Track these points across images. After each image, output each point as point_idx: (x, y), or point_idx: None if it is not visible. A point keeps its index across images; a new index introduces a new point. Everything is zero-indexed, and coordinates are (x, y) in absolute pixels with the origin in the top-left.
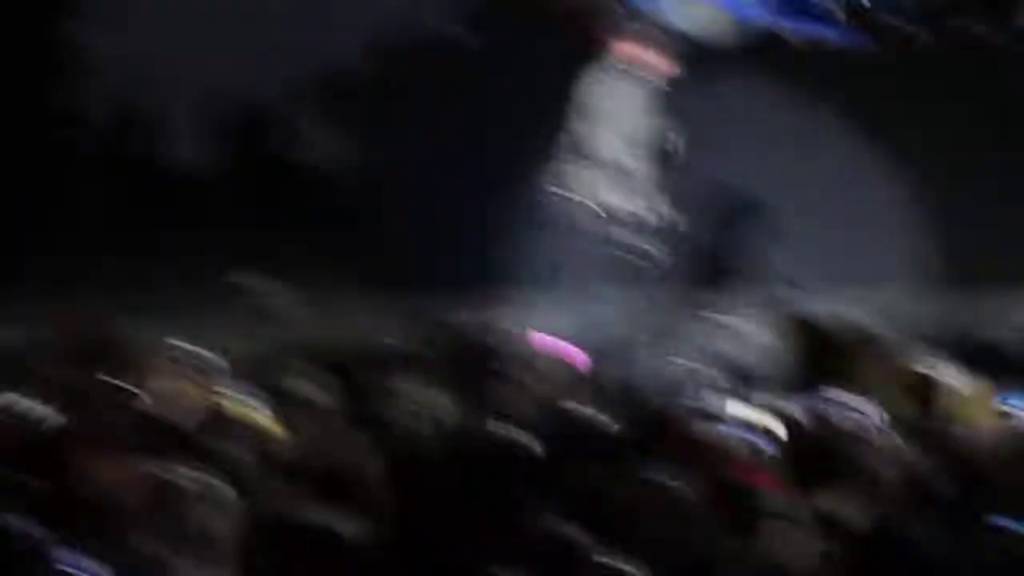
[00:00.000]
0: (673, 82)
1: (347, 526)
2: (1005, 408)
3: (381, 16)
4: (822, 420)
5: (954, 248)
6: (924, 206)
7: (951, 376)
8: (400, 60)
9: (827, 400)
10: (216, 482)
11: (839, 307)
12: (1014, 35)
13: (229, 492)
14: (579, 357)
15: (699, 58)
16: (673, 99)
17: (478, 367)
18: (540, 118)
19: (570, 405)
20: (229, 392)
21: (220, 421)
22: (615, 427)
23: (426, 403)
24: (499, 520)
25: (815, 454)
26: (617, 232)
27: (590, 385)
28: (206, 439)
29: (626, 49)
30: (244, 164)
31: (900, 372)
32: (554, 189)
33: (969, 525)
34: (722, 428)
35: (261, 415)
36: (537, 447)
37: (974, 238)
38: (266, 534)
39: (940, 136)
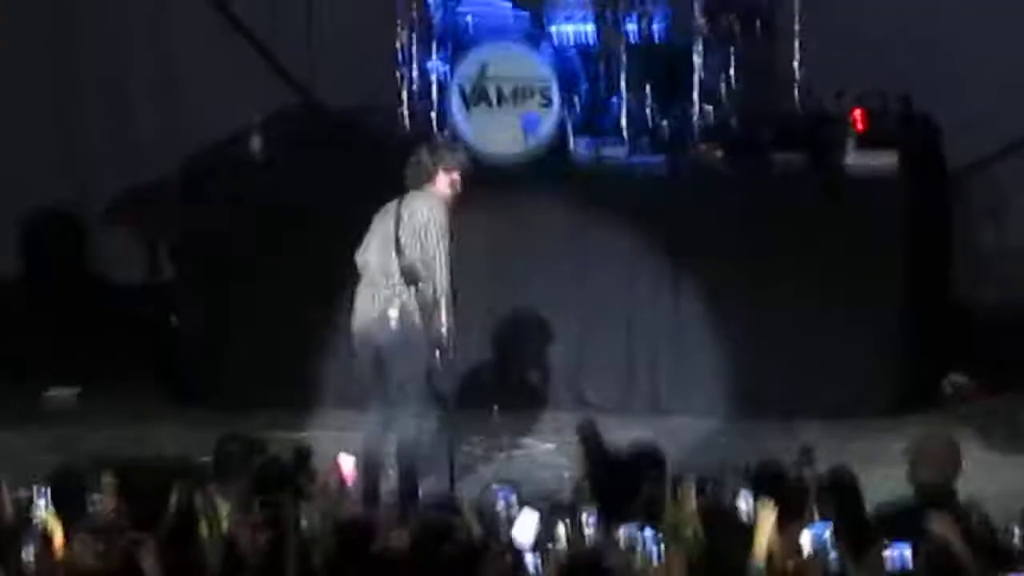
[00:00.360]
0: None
1: None
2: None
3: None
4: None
5: (741, 376)
6: (711, 331)
7: (744, 504)
8: (202, 175)
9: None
10: None
11: (634, 435)
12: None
13: None
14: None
15: (496, 176)
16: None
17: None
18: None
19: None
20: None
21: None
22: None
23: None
24: None
25: None
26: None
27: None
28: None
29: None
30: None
31: (691, 501)
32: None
33: None
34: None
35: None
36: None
37: (761, 365)
38: None
39: (728, 259)
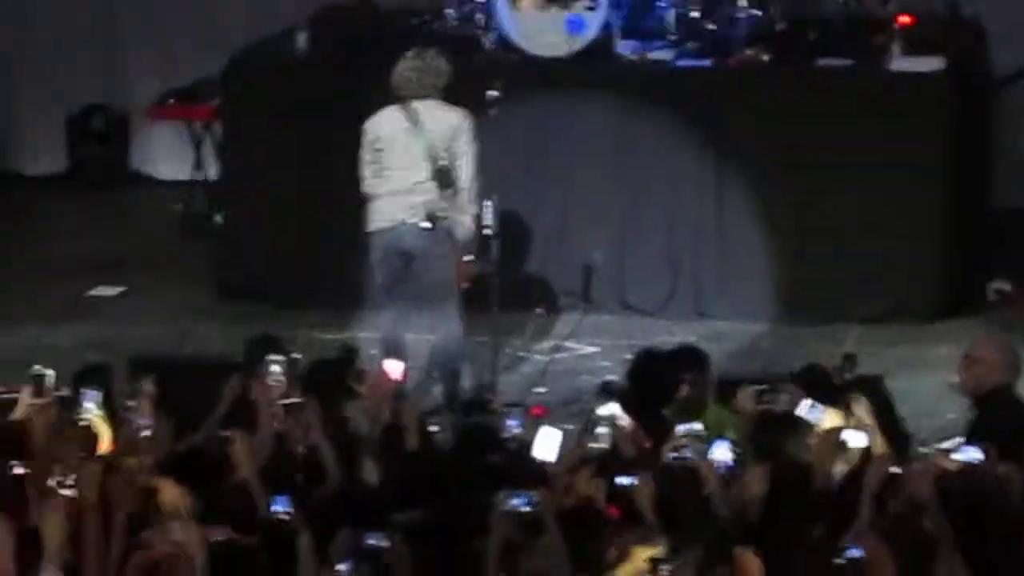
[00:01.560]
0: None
1: None
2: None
3: None
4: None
5: (784, 280)
6: (754, 235)
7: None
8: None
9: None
10: None
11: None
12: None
13: None
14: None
15: (540, 77)
16: (510, 118)
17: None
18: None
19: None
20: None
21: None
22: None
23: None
24: None
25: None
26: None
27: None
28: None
29: None
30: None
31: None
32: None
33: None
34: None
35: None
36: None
37: (804, 270)
38: None
39: (771, 164)
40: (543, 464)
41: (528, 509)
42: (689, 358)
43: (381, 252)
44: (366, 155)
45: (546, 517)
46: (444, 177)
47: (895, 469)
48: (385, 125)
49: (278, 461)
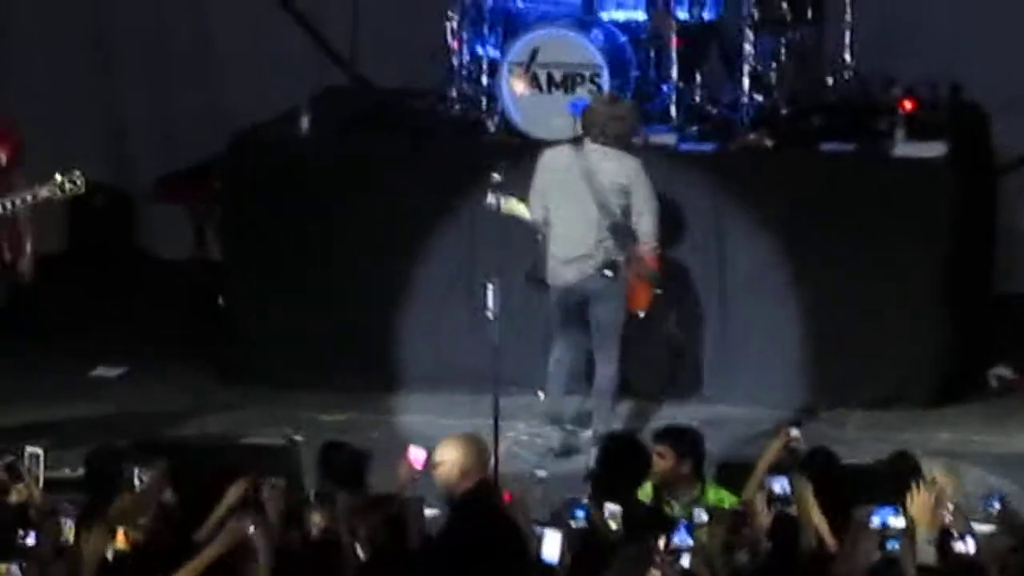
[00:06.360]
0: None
1: None
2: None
3: None
4: None
5: (785, 364)
6: (755, 319)
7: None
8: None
9: None
10: None
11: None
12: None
13: None
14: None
15: None
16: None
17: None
18: None
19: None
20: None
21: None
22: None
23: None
24: None
25: None
26: None
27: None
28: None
29: None
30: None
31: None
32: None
33: None
34: None
35: None
36: None
37: (806, 354)
38: None
39: (774, 248)
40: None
41: None
42: (670, 435)
43: (553, 290)
44: (535, 196)
45: None
46: (618, 230)
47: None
48: (559, 167)
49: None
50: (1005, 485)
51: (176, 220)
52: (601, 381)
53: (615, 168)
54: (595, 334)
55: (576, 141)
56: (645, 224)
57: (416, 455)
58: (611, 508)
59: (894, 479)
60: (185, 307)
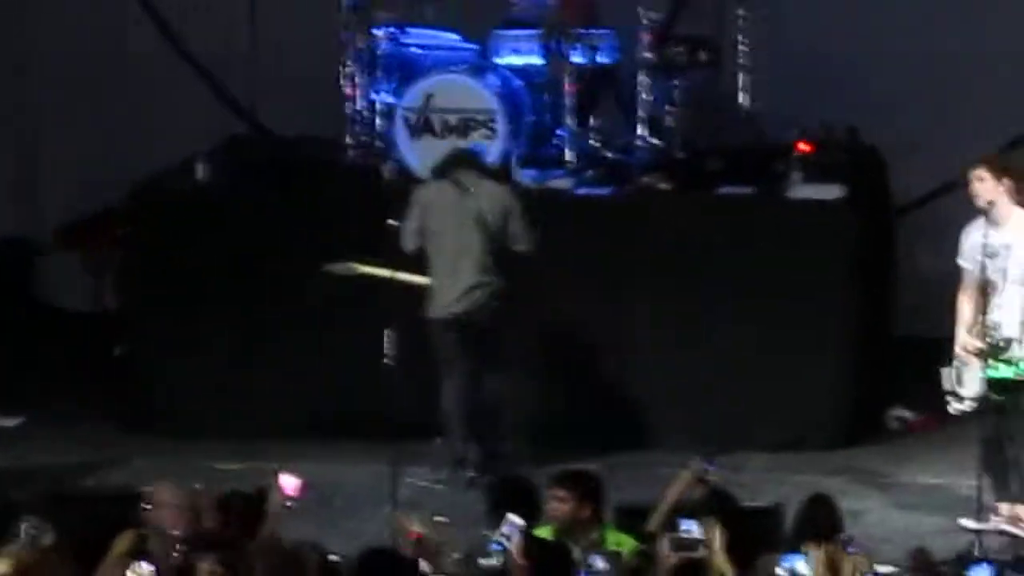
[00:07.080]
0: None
1: None
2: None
3: None
4: None
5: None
6: (654, 364)
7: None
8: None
9: None
10: None
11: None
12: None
13: None
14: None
15: None
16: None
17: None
18: None
19: None
20: None
21: None
22: None
23: None
24: None
25: None
26: None
27: None
28: None
29: None
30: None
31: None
32: None
33: None
34: None
35: None
36: None
37: (705, 397)
38: None
39: (672, 292)
40: None
41: None
42: (569, 478)
43: (442, 325)
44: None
45: None
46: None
47: None
48: (424, 195)
49: None
50: (906, 523)
51: (75, 270)
52: (491, 397)
53: (488, 193)
54: (486, 359)
55: (449, 176)
56: (523, 245)
57: (286, 482)
58: (513, 520)
59: (809, 524)
60: (85, 357)
